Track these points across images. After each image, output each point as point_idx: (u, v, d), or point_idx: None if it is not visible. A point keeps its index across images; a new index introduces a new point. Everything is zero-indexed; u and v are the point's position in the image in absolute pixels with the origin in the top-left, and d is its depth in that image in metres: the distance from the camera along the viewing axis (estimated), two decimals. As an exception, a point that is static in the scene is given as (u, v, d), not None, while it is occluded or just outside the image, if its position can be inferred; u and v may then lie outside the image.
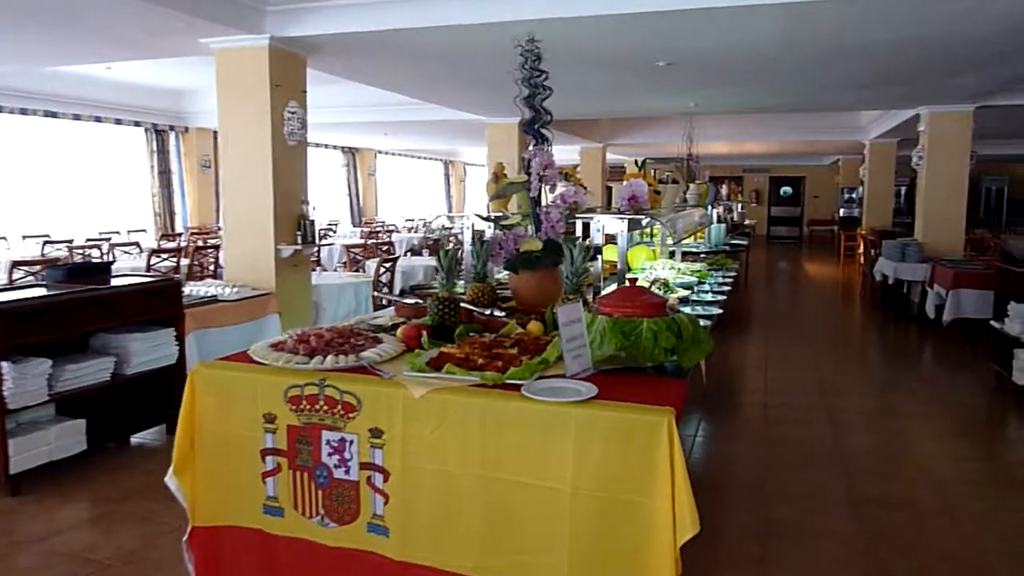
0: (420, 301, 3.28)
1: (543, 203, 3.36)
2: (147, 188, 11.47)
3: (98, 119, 10.43)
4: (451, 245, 3.00)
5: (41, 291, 3.98)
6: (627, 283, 2.46)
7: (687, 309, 3.49)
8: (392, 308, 3.37)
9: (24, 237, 9.29)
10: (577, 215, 3.53)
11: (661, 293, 3.79)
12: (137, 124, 11.14)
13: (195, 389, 2.41)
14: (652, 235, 5.72)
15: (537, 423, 2.03)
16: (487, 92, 8.12)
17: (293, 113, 5.41)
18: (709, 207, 7.74)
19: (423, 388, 2.15)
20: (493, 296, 3.23)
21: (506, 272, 3.25)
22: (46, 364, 3.69)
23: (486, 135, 10.53)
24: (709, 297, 3.91)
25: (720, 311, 3.50)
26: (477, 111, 9.91)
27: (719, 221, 8.57)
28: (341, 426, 2.24)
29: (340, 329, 2.59)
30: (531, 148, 3.28)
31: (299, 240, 5.56)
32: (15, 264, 6.23)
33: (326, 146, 16.16)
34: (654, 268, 4.82)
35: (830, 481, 3.92)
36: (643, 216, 3.61)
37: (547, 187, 3.29)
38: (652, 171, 4.89)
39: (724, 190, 12.68)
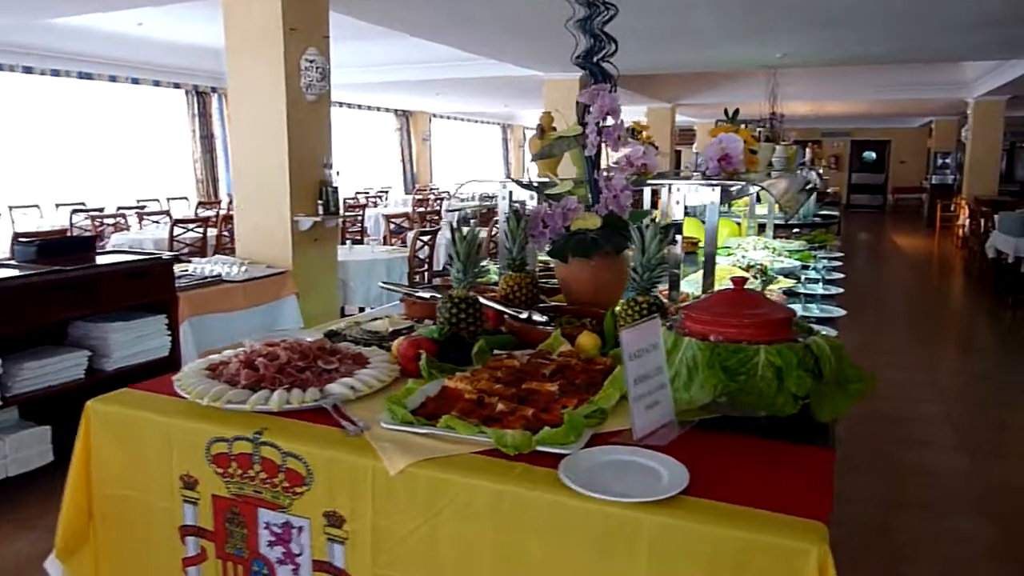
0: (439, 295, 2.48)
1: (604, 165, 2.50)
2: (188, 153, 10.97)
3: (135, 81, 9.92)
4: (470, 225, 2.18)
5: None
6: (731, 283, 1.60)
7: (795, 308, 2.59)
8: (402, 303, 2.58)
9: (58, 206, 8.88)
10: (647, 182, 2.65)
11: (758, 285, 2.89)
12: (177, 86, 10.60)
13: (91, 433, 1.67)
14: (729, 206, 4.77)
15: (583, 533, 1.20)
16: (541, 40, 7.19)
17: (312, 62, 4.63)
18: (798, 172, 6.70)
19: (403, 458, 1.35)
20: (534, 291, 2.41)
21: (551, 258, 2.41)
22: (-7, 363, 3.05)
23: (543, 93, 9.60)
24: (820, 288, 2.99)
25: (842, 312, 2.58)
26: (533, 65, 8.98)
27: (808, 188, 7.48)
28: (285, 504, 1.47)
29: (306, 346, 1.80)
30: (589, 89, 2.41)
31: (320, 210, 4.82)
32: (16, 237, 5.69)
33: (378, 109, 15.46)
34: (743, 247, 3.90)
35: (981, 534, 2.99)
36: (737, 182, 2.70)
37: (609, 143, 2.42)
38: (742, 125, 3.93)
39: (808, 154, 11.48)
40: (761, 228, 4.62)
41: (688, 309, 1.60)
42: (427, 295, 2.45)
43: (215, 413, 1.56)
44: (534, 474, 1.28)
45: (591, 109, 2.38)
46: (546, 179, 2.67)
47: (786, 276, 3.17)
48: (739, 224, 4.55)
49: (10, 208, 8.38)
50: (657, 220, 2.30)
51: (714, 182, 2.43)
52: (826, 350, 1.49)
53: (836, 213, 7.88)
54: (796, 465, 1.33)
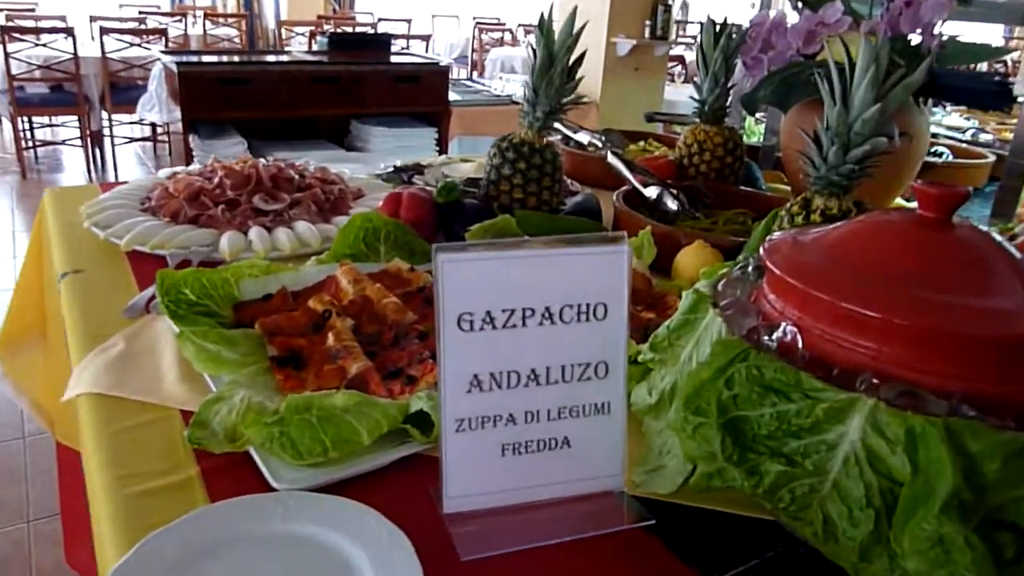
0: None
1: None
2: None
3: None
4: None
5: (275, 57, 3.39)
6: (918, 188, 0.58)
7: None
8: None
9: (473, 18, 9.29)
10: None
11: None
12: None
13: (44, 220, 1.40)
14: None
15: None
16: None
17: None
18: None
19: (90, 381, 0.76)
20: (732, 160, 1.48)
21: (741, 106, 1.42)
22: (241, 146, 3.12)
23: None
24: None
25: None
26: None
27: None
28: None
29: (255, 174, 1.24)
30: None
31: (647, 33, 3.99)
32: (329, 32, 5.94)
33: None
34: None
35: None
36: None
37: None
38: None
39: None
40: None
41: (771, 248, 0.63)
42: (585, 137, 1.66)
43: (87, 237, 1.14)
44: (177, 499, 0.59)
45: None
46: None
47: None
48: None
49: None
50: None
51: None
52: None
53: None
54: None
